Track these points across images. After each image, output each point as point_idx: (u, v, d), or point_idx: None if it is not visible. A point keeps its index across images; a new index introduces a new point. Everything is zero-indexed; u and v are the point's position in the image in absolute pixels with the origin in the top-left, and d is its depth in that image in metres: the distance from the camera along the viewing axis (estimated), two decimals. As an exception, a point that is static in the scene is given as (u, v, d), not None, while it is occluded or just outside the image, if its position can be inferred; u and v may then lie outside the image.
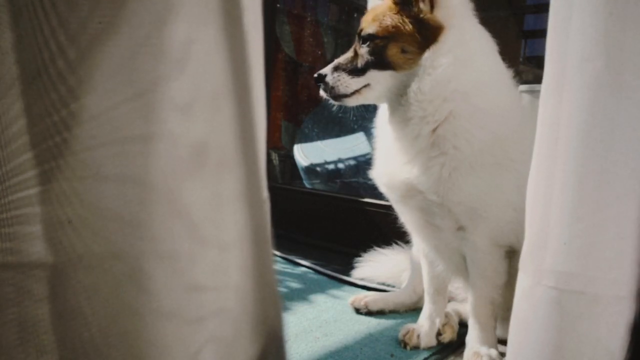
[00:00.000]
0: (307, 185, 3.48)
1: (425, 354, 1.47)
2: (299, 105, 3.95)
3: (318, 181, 3.46)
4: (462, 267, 1.44)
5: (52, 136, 0.60)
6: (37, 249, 0.62)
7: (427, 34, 1.25)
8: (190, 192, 0.67)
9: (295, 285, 2.08)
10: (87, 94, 0.60)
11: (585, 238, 0.76)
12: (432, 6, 1.26)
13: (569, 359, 0.78)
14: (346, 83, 1.31)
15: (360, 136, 3.37)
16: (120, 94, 0.61)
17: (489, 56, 1.32)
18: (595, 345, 0.75)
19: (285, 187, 3.40)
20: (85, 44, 0.59)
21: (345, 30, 3.98)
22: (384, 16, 1.29)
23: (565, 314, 0.78)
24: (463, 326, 1.56)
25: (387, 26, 1.27)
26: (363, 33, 1.31)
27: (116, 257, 0.64)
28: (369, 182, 1.50)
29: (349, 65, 1.32)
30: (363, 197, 2.60)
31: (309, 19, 3.96)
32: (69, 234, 0.62)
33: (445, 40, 1.24)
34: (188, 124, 0.66)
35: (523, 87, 1.95)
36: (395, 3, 1.30)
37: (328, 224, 2.75)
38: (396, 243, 2.07)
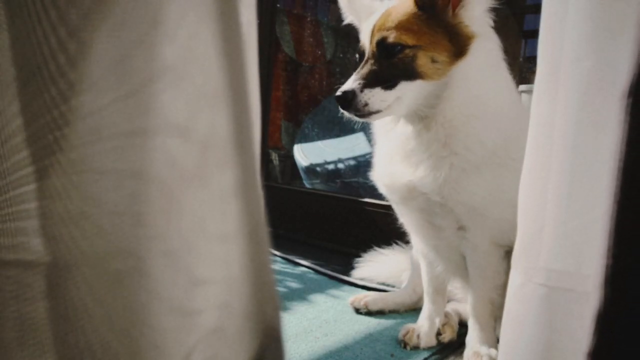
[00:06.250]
0: (307, 185, 3.48)
1: (425, 354, 1.47)
2: (299, 105, 3.96)
3: (318, 181, 3.46)
4: (461, 267, 1.44)
5: (52, 131, 0.60)
6: (37, 245, 0.62)
7: (458, 42, 1.20)
8: (191, 188, 0.67)
9: (295, 285, 2.08)
10: (86, 91, 0.60)
11: (578, 236, 0.77)
12: (455, 12, 1.21)
13: (560, 356, 0.79)
14: (382, 97, 1.20)
15: (360, 136, 3.37)
16: (119, 89, 0.61)
17: (502, 60, 1.31)
18: (585, 342, 0.75)
19: (285, 187, 3.40)
20: (85, 38, 0.59)
21: (345, 30, 3.98)
22: (409, 23, 1.20)
23: (555, 311, 0.79)
24: (463, 326, 1.56)
25: (417, 34, 1.19)
26: (387, 42, 1.21)
27: (118, 253, 0.64)
28: (369, 182, 1.50)
29: (377, 78, 1.21)
30: (363, 197, 2.60)
31: (309, 19, 3.96)
32: (70, 230, 0.62)
33: (475, 50, 1.21)
34: (188, 120, 0.66)
35: (523, 86, 1.96)
36: (421, 8, 1.22)
37: (328, 224, 2.75)
38: (396, 243, 2.07)
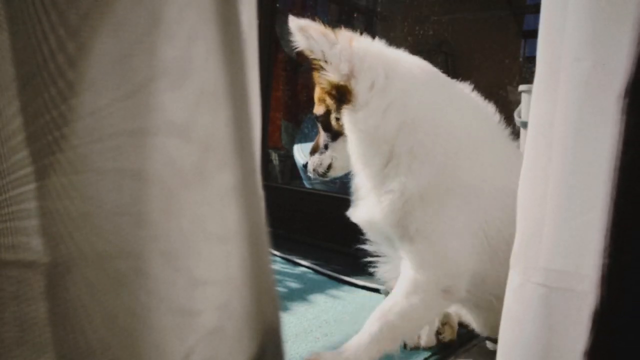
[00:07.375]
0: (307, 185, 3.48)
1: (425, 354, 1.47)
2: (299, 105, 3.95)
3: (318, 181, 3.45)
4: None
5: (51, 131, 0.60)
6: (38, 245, 0.62)
7: (344, 98, 1.28)
8: (191, 188, 0.67)
9: (294, 285, 2.08)
10: (86, 90, 0.60)
11: (577, 236, 0.77)
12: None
13: (558, 356, 0.79)
14: (320, 161, 1.44)
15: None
16: (119, 89, 0.61)
17: (422, 84, 1.32)
18: (583, 341, 0.75)
19: (285, 187, 3.40)
20: (85, 38, 0.59)
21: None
22: (318, 93, 1.38)
23: (553, 311, 0.79)
24: (463, 326, 1.56)
25: (324, 101, 1.36)
26: (314, 115, 1.43)
27: (118, 254, 0.64)
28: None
29: (318, 147, 1.46)
30: (363, 197, 2.60)
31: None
32: (70, 230, 0.62)
33: (356, 92, 1.25)
34: (188, 120, 0.66)
35: (523, 86, 1.96)
36: (317, 76, 1.34)
37: (328, 224, 2.75)
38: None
